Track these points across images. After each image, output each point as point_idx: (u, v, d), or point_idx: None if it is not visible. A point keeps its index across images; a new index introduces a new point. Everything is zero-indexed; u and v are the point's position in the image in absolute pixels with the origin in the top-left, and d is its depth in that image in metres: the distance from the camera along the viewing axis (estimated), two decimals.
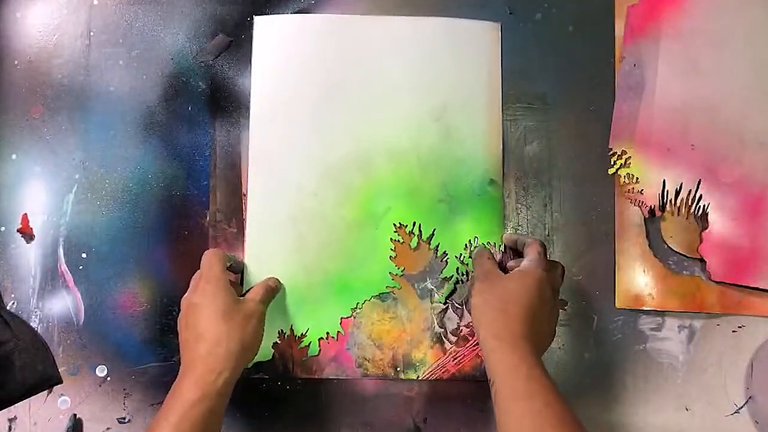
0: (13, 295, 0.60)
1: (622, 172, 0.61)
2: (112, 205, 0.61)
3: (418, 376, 0.59)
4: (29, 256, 0.60)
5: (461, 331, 0.59)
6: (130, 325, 0.60)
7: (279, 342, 0.59)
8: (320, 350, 0.59)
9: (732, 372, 0.59)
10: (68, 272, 0.60)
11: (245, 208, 0.61)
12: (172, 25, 0.63)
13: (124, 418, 0.59)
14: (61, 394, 0.59)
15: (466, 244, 0.60)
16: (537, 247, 0.53)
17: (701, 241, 0.59)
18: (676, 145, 0.60)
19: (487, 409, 0.59)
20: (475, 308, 0.51)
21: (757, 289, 0.58)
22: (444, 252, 0.60)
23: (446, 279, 0.60)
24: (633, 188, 0.61)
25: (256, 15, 0.62)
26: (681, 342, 0.59)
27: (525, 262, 0.53)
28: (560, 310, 0.58)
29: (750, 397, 0.58)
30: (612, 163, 0.61)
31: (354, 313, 0.60)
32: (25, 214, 0.60)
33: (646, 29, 0.62)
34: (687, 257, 0.60)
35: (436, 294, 0.60)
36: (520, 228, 0.61)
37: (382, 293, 0.60)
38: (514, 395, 0.45)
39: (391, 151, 0.61)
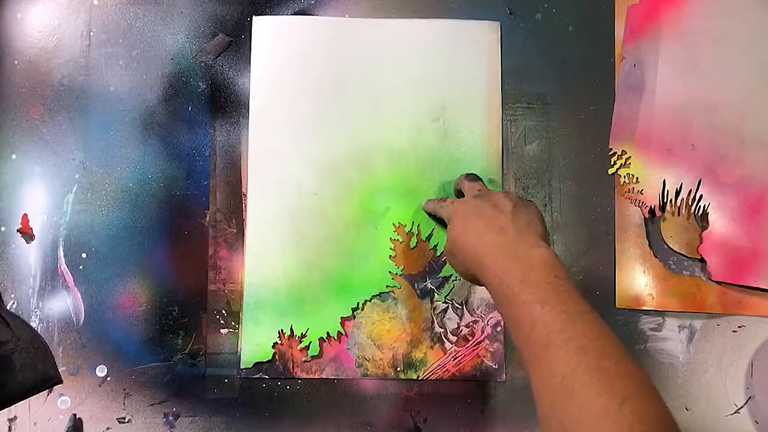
0: (13, 295, 0.60)
1: (622, 172, 0.61)
2: (112, 205, 0.61)
3: (418, 376, 0.59)
4: (29, 256, 0.60)
5: (461, 331, 0.59)
6: (130, 325, 0.60)
7: (279, 342, 0.59)
8: (320, 350, 0.59)
9: (732, 372, 0.59)
10: (68, 272, 0.60)
11: (245, 208, 0.61)
12: (172, 25, 0.63)
13: (124, 418, 0.59)
14: (61, 394, 0.59)
15: None
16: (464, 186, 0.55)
17: (701, 241, 0.59)
18: (676, 145, 0.60)
19: (487, 409, 0.59)
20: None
21: (757, 289, 0.58)
22: (443, 251, 0.60)
23: (446, 278, 0.60)
24: (633, 188, 0.61)
25: (255, 15, 0.62)
26: (681, 342, 0.59)
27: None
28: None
29: (750, 397, 0.58)
30: (612, 163, 0.61)
31: (354, 313, 0.60)
32: (25, 214, 0.60)
33: (646, 29, 0.62)
34: (687, 257, 0.60)
35: (436, 294, 0.60)
36: None
37: (382, 293, 0.60)
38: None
39: (390, 152, 0.61)
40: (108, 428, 0.59)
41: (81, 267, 0.60)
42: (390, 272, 0.60)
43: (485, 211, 0.48)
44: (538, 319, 0.39)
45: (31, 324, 0.59)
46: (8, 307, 0.59)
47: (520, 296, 0.41)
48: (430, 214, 0.60)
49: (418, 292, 0.60)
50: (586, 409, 0.35)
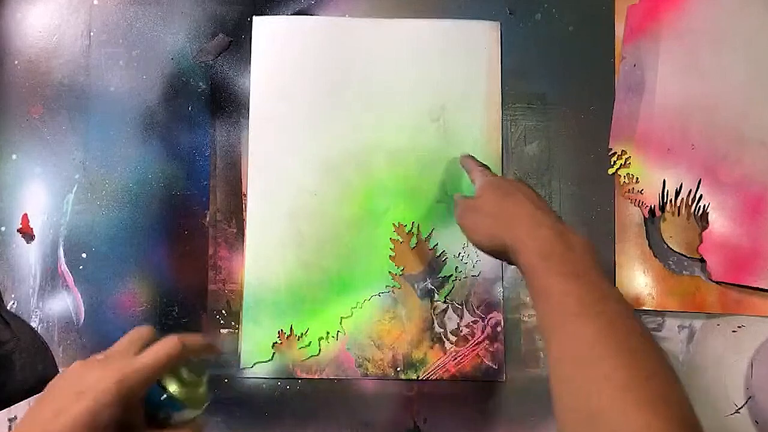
0: (13, 295, 0.60)
1: (622, 172, 0.61)
2: (112, 205, 0.61)
3: (418, 376, 0.59)
4: (29, 256, 0.60)
5: (461, 331, 0.59)
6: (130, 325, 0.59)
7: (279, 342, 0.59)
8: (320, 350, 0.59)
9: (732, 372, 0.59)
10: (68, 272, 0.60)
11: (245, 208, 0.61)
12: (172, 25, 0.63)
13: None
14: None
15: (464, 244, 0.60)
16: (479, 171, 0.55)
17: (701, 241, 0.59)
18: (676, 145, 0.60)
19: (487, 409, 0.59)
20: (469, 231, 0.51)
21: (757, 289, 0.58)
22: (443, 251, 0.60)
23: (446, 278, 0.60)
24: (633, 188, 0.61)
25: (255, 15, 0.62)
26: (681, 342, 0.59)
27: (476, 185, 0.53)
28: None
29: (750, 397, 0.58)
30: (612, 163, 0.61)
31: (354, 313, 0.60)
32: (25, 214, 0.60)
33: (646, 29, 0.62)
34: (687, 257, 0.60)
35: (436, 294, 0.60)
36: None
37: (382, 293, 0.60)
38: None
39: (389, 152, 0.61)
40: None
41: (81, 267, 0.60)
42: (390, 272, 0.60)
43: (525, 189, 0.49)
44: (572, 290, 0.40)
45: (31, 324, 0.59)
46: (8, 307, 0.59)
47: (558, 267, 0.42)
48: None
49: (418, 292, 0.60)
50: (609, 380, 0.35)
